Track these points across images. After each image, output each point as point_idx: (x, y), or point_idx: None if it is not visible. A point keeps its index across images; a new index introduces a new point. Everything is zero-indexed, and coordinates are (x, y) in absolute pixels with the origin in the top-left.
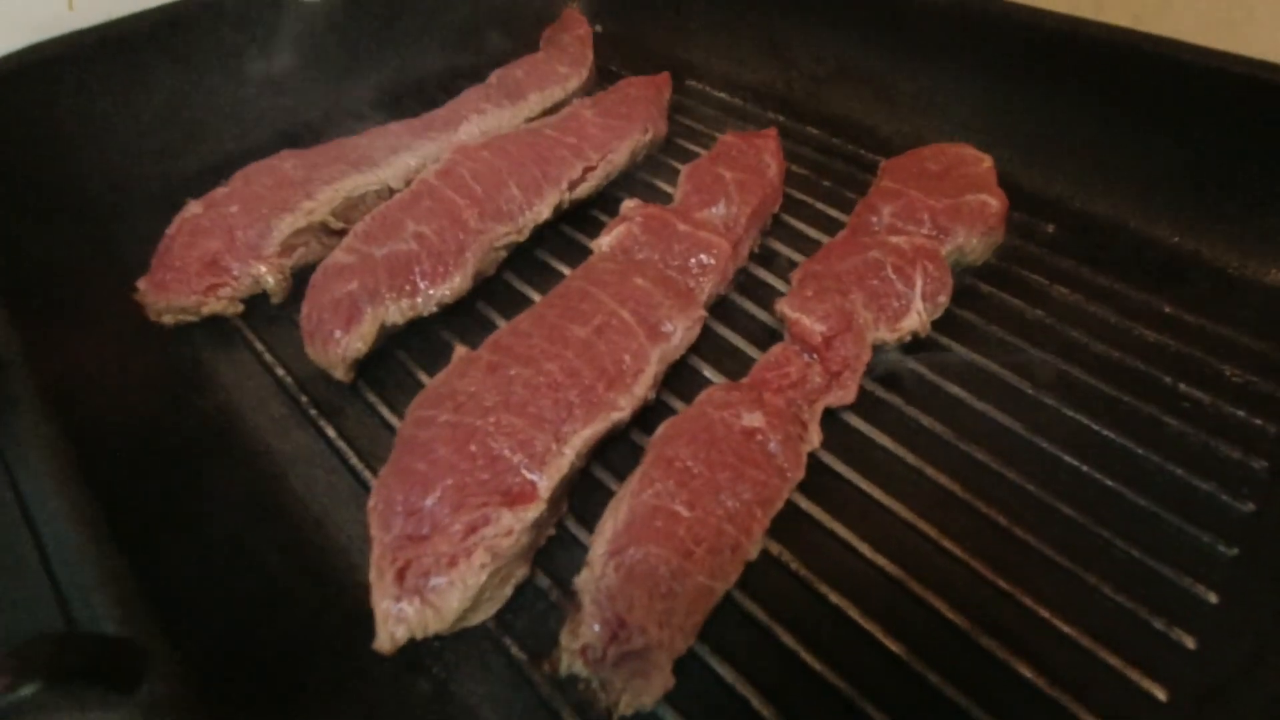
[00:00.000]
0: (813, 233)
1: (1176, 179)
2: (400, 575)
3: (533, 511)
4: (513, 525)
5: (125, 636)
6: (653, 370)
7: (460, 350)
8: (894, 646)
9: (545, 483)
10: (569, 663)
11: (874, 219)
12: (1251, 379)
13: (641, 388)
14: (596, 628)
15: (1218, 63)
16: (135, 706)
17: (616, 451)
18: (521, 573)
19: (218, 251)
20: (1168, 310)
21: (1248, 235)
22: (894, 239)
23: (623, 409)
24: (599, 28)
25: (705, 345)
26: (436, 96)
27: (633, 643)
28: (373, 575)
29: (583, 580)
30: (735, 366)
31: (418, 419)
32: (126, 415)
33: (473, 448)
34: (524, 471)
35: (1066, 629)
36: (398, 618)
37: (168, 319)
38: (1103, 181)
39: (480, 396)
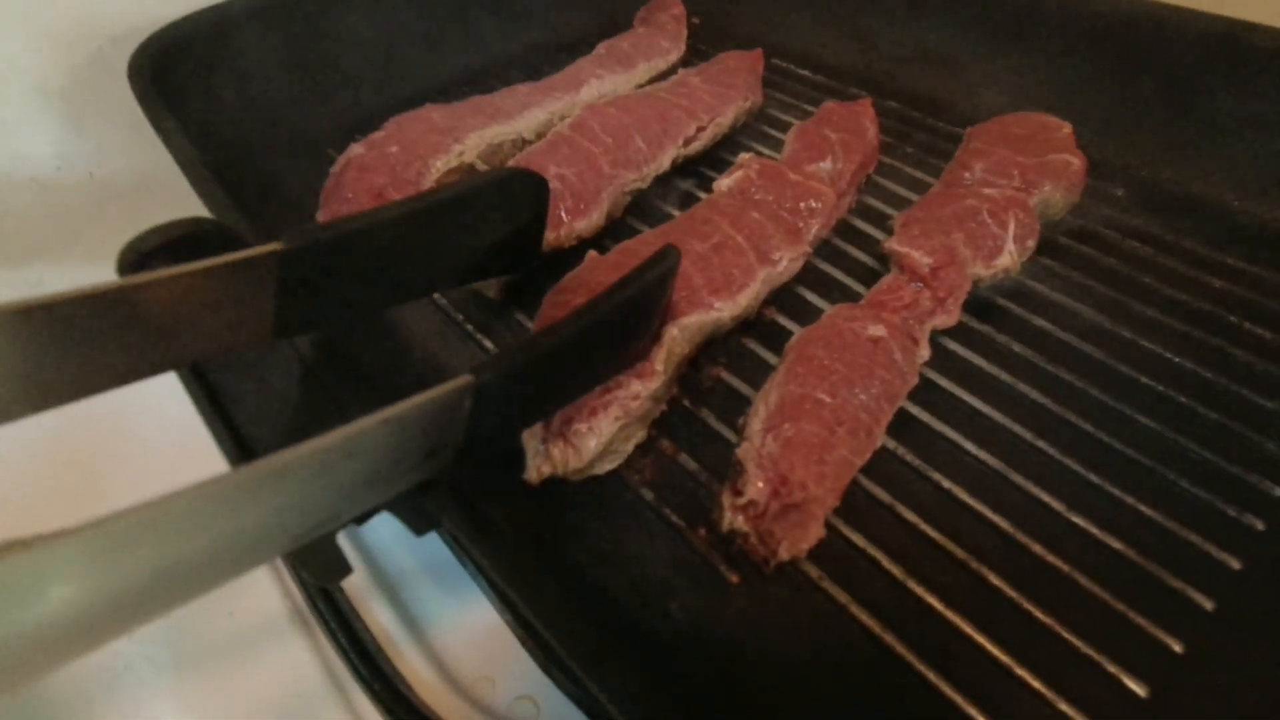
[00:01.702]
0: (904, 191)
1: (1237, 150)
2: (547, 422)
3: (653, 383)
4: (639, 391)
5: None
6: (756, 288)
7: (591, 253)
8: (1000, 522)
9: (660, 361)
10: (731, 519)
11: (966, 175)
12: None
13: (745, 298)
14: (761, 485)
15: (1267, 41)
16: (428, 500)
17: (745, 361)
18: (641, 434)
19: (383, 185)
20: (1231, 262)
21: None
22: (987, 190)
23: (721, 311)
24: (696, 19)
25: (813, 279)
26: (541, 67)
27: (794, 496)
28: None
29: (744, 450)
30: (842, 297)
31: (554, 301)
32: None
33: None
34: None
35: (1149, 512)
36: (544, 455)
37: None
38: (1168, 152)
39: (607, 285)
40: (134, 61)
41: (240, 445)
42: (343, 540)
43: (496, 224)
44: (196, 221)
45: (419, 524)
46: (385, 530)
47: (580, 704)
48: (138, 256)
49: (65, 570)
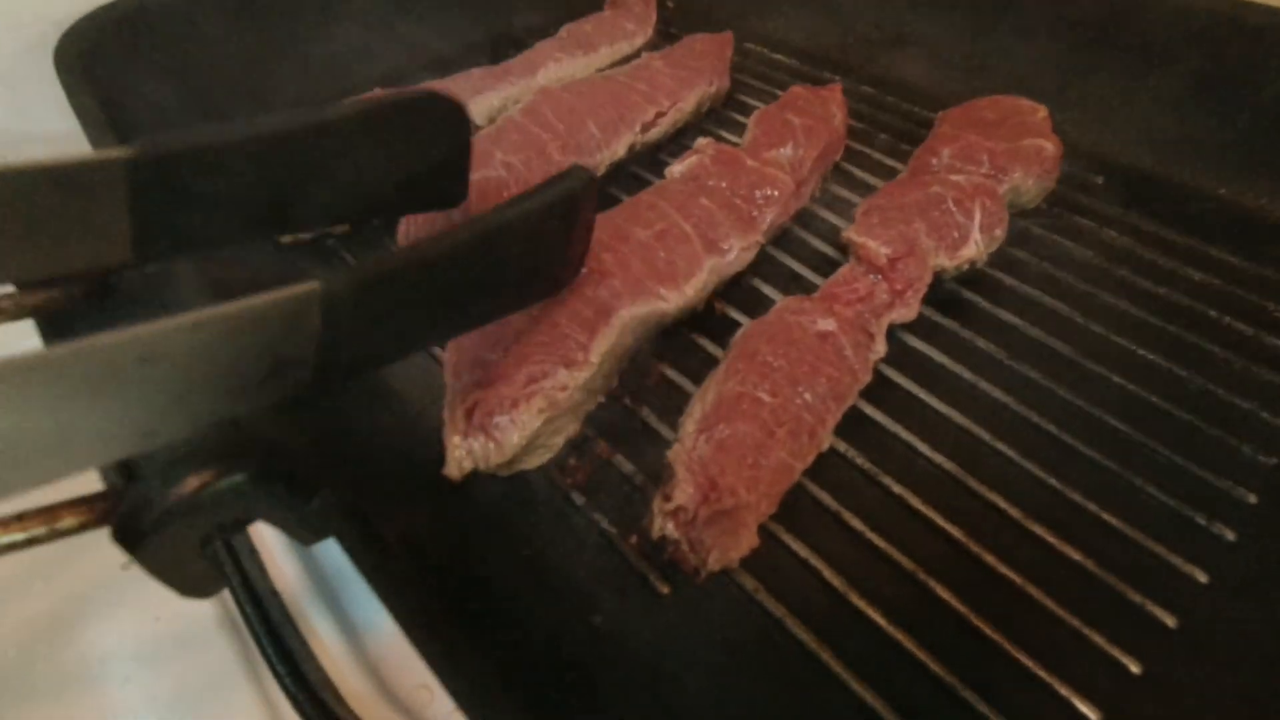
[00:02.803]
0: (871, 179)
1: (1222, 136)
2: (469, 414)
3: (584, 373)
4: (566, 382)
5: (309, 452)
6: (702, 278)
7: None
8: (952, 530)
9: (594, 349)
10: (661, 525)
11: (934, 160)
12: None
13: (691, 289)
14: (690, 490)
15: (1268, 20)
16: (310, 510)
17: (691, 358)
18: (572, 428)
19: None
20: (1212, 253)
21: None
22: (954, 177)
23: (667, 301)
24: (670, 2)
25: (769, 270)
26: (508, 51)
27: (723, 503)
28: (445, 413)
29: (674, 453)
30: (798, 290)
31: None
32: None
33: (534, 313)
34: (576, 337)
35: (1111, 520)
36: (465, 449)
37: (284, 238)
38: (1149, 139)
39: None
40: (61, 43)
41: None
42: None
43: (403, 151)
44: None
45: (303, 534)
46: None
47: None
48: None
49: None
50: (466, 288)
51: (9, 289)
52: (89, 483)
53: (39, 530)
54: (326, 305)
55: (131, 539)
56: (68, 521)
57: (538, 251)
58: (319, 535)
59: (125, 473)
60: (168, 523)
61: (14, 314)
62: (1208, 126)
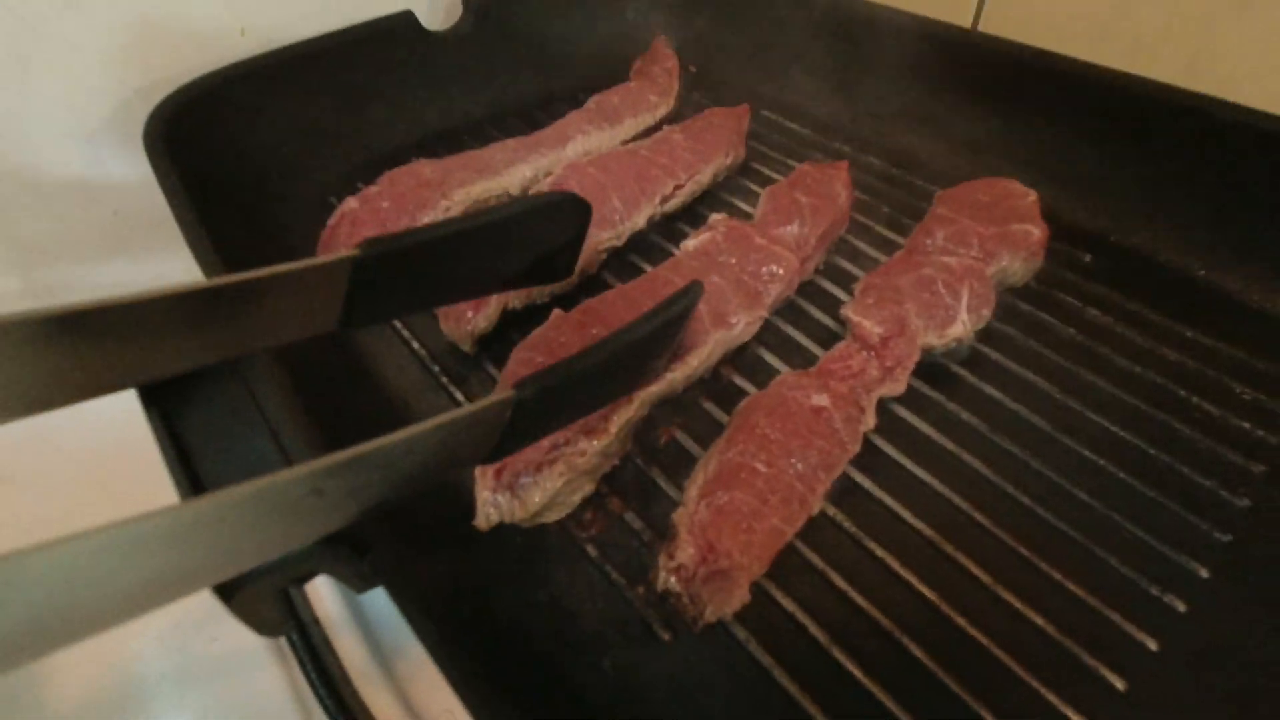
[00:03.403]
0: (873, 252)
1: (1207, 220)
2: (498, 474)
3: (602, 441)
4: (586, 449)
5: None
6: (708, 349)
7: (557, 312)
8: (928, 592)
9: (615, 423)
10: (665, 579)
11: (928, 241)
12: (1260, 397)
13: (696, 360)
14: (691, 550)
15: (1246, 119)
16: (365, 564)
17: (699, 422)
18: (589, 488)
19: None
20: (1189, 334)
21: (1268, 273)
22: (945, 259)
23: (677, 373)
24: (693, 68)
25: (774, 341)
26: (538, 116)
27: (720, 563)
28: (477, 472)
29: (679, 515)
30: (800, 360)
31: (518, 359)
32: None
33: None
34: (600, 412)
35: (1074, 588)
36: (493, 504)
37: None
38: (1139, 220)
39: (568, 346)
40: (149, 122)
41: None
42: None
43: (543, 240)
44: None
45: (356, 584)
46: None
47: None
48: None
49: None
50: (609, 382)
51: None
52: None
53: None
54: (516, 409)
55: (228, 593)
56: None
57: (658, 351)
58: (369, 585)
59: None
60: (255, 580)
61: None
62: (1194, 212)
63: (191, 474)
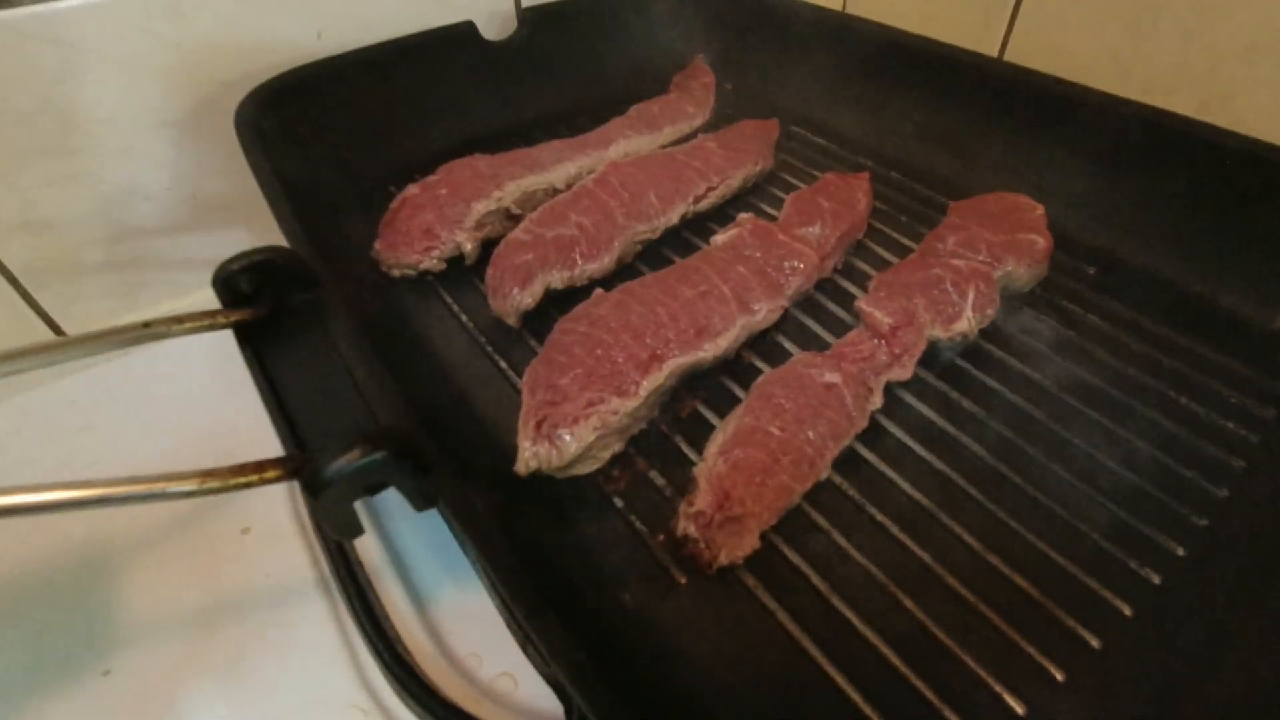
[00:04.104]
0: (889, 255)
1: (1203, 240)
2: (538, 426)
3: (632, 403)
4: (618, 408)
5: (428, 443)
6: (735, 333)
7: (598, 291)
8: (921, 553)
9: (644, 386)
10: (684, 525)
11: (940, 245)
12: (1245, 400)
13: (725, 341)
14: (709, 498)
15: (1247, 148)
16: (428, 483)
17: (721, 397)
18: (618, 446)
19: (431, 222)
20: (1183, 342)
21: (1258, 290)
22: (955, 261)
23: (706, 352)
24: (729, 86)
25: (792, 329)
26: (583, 122)
27: (734, 510)
28: (520, 424)
29: (699, 469)
30: (816, 347)
31: (563, 328)
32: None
33: (598, 352)
34: (630, 374)
35: (1057, 557)
36: (532, 454)
37: (395, 272)
38: (1143, 236)
39: (608, 319)
40: (240, 109)
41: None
42: (364, 517)
43: None
44: (273, 249)
45: (419, 501)
46: (399, 513)
47: (550, 681)
48: (226, 274)
49: None
50: None
51: (217, 306)
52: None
53: (253, 478)
54: None
55: (316, 489)
56: (271, 473)
57: None
58: (430, 503)
59: (299, 445)
60: (339, 480)
61: (223, 325)
62: (1194, 233)
63: (279, 400)
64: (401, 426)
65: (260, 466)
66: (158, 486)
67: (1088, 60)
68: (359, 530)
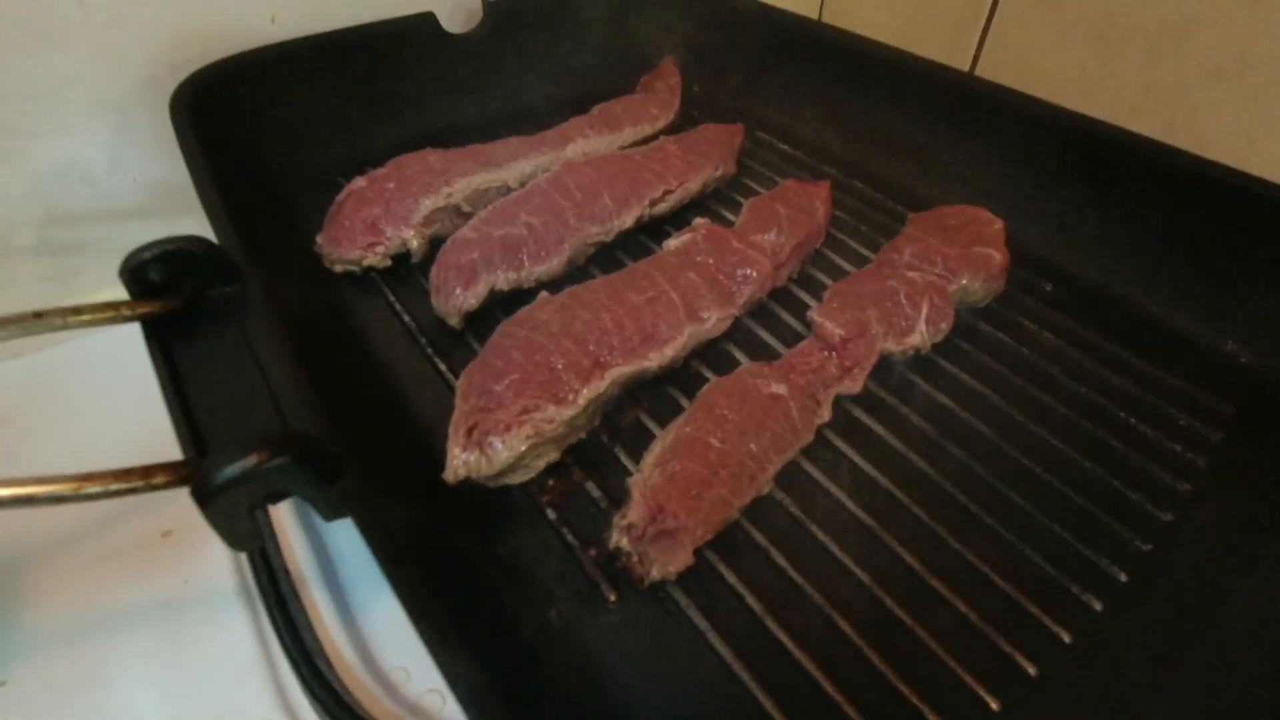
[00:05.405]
0: (846, 265)
1: (1160, 260)
2: (469, 432)
3: (570, 411)
4: (554, 416)
5: (338, 447)
6: (682, 341)
7: (544, 294)
8: (862, 575)
9: (584, 395)
10: (616, 537)
11: (896, 257)
12: (1195, 423)
13: (671, 350)
14: (642, 510)
15: (1206, 171)
16: (333, 491)
17: (665, 407)
18: (554, 455)
19: (377, 217)
20: (1135, 363)
21: (1211, 312)
22: (910, 274)
23: (651, 361)
24: (696, 88)
25: (744, 339)
26: (545, 120)
27: (666, 524)
28: (451, 429)
29: (634, 480)
30: (765, 357)
31: (503, 332)
32: (303, 329)
33: (537, 357)
34: (570, 382)
35: (999, 582)
36: (462, 461)
37: (338, 267)
38: (1099, 255)
39: (550, 324)
40: (177, 92)
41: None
42: (296, 524)
43: None
44: (190, 239)
45: (326, 511)
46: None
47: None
48: (135, 264)
49: None
50: None
51: (125, 297)
52: (173, 454)
53: (138, 484)
54: None
55: (204, 497)
56: (159, 479)
57: None
58: (338, 514)
59: (200, 448)
60: (230, 488)
61: (126, 318)
62: (1149, 255)
63: (183, 400)
64: (304, 431)
65: (148, 471)
66: (26, 491)
67: (1057, 76)
68: (258, 541)
